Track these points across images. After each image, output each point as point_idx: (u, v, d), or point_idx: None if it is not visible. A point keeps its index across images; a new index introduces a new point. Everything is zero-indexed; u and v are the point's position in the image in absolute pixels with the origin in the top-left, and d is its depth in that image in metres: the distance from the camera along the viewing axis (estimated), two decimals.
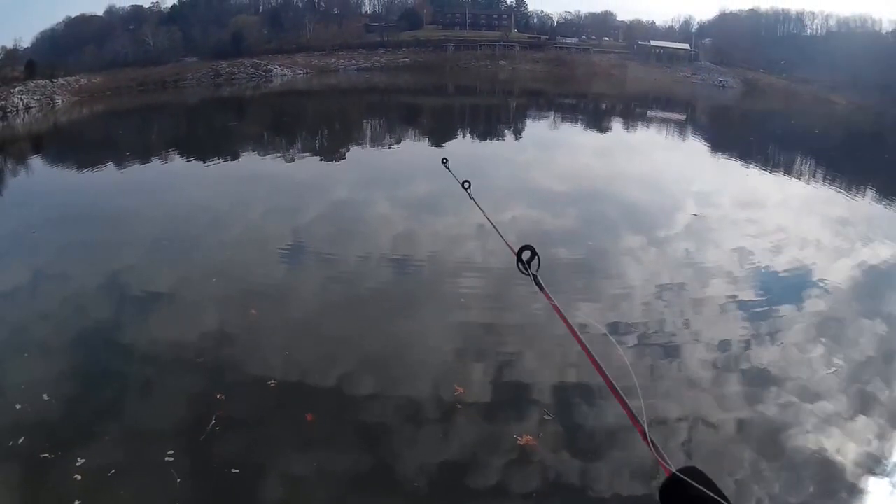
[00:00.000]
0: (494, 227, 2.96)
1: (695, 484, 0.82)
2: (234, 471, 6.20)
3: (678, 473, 0.86)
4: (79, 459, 6.22)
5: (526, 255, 2.05)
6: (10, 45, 56.37)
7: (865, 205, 19.72)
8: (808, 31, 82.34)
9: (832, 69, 64.73)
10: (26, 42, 61.78)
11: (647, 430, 1.22)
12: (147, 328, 9.42)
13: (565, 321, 1.77)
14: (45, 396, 7.45)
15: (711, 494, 0.77)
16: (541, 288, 1.93)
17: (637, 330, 9.55)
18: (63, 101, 46.71)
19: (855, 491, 6.15)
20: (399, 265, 12.28)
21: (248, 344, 8.93)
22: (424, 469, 6.37)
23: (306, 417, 7.13)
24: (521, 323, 9.66)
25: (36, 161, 26.89)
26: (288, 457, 6.49)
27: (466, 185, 3.92)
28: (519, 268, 2.06)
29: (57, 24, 70.07)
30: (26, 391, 7.53)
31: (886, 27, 74.36)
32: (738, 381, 8.18)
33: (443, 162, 5.07)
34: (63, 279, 11.42)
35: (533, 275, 1.96)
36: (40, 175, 23.34)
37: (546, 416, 7.22)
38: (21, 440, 6.57)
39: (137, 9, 73.53)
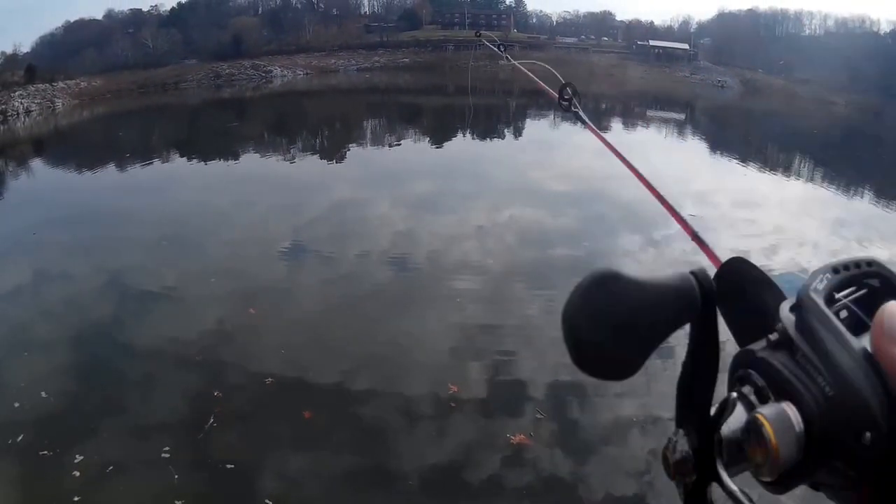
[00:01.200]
0: (532, 76, 3.09)
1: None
2: (232, 467, 6.27)
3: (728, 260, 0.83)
4: (77, 456, 6.28)
5: (568, 93, 2.18)
6: (9, 50, 56.49)
7: (863, 205, 19.77)
8: (807, 31, 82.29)
9: (831, 69, 64.65)
10: (26, 47, 61.75)
11: (696, 233, 1.35)
12: (145, 327, 9.49)
13: (609, 147, 1.90)
14: (43, 394, 7.51)
15: (760, 273, 0.78)
16: (584, 122, 2.09)
17: None
18: (63, 105, 46.66)
19: None
20: (396, 264, 12.34)
21: (247, 342, 9.00)
22: (419, 466, 6.44)
23: (304, 415, 7.20)
24: (515, 323, 9.73)
25: (37, 163, 26.96)
26: (286, 454, 6.55)
27: (478, 33, 3.96)
28: (561, 105, 2.20)
29: (56, 29, 69.99)
30: (25, 389, 7.60)
31: (885, 27, 74.39)
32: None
33: (476, 35, 5.09)
34: (61, 279, 11.49)
35: (574, 112, 2.12)
36: (41, 177, 23.41)
37: (539, 415, 7.28)
38: (20, 438, 6.63)
39: (137, 12, 73.48)
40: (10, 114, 41.35)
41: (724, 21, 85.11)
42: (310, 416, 7.17)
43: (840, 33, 76.67)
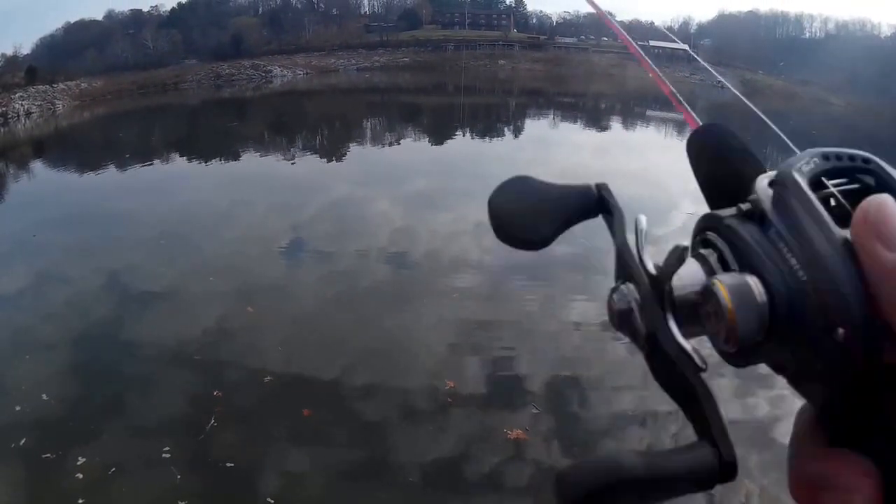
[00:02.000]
0: None
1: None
2: (233, 466, 6.31)
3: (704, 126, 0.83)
4: (80, 458, 6.32)
5: None
6: (9, 52, 56.31)
7: None
8: (807, 34, 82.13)
9: (831, 71, 64.57)
10: (26, 48, 61.50)
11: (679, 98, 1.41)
12: (144, 327, 9.53)
13: (616, 27, 1.92)
14: (44, 397, 7.56)
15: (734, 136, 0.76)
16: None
17: None
18: (64, 106, 46.54)
19: None
20: (394, 262, 12.41)
21: (246, 341, 9.04)
22: (417, 462, 6.50)
23: (303, 412, 7.25)
24: (512, 319, 9.78)
25: (37, 165, 26.96)
26: (286, 451, 6.60)
27: None
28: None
29: (56, 30, 69.67)
30: (26, 392, 7.64)
31: (885, 31, 74.28)
32: (729, 377, 8.27)
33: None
34: (61, 281, 11.52)
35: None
36: (42, 179, 23.41)
37: (534, 410, 7.33)
38: (22, 441, 6.67)
39: (137, 13, 73.16)
40: (10, 116, 41.30)
41: (725, 22, 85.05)
42: (309, 414, 7.22)
43: (840, 36, 76.61)
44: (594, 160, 25.36)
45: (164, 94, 55.68)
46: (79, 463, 6.27)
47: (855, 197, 0.52)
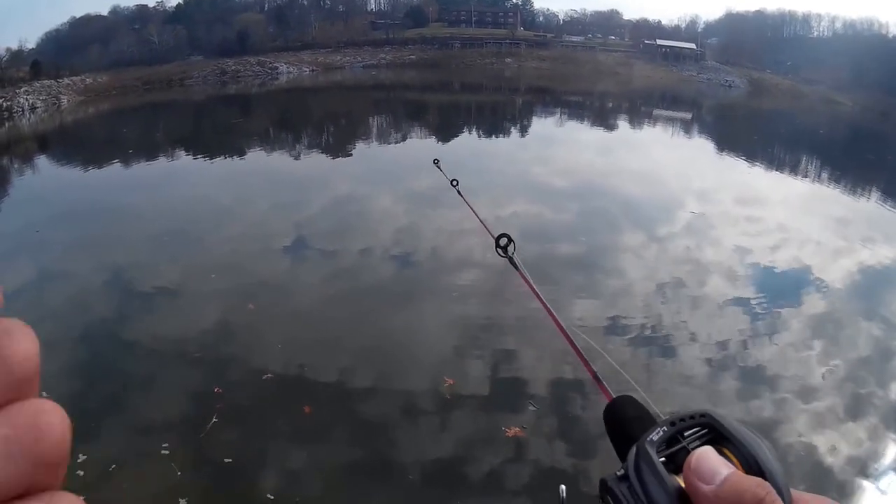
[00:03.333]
0: (479, 218, 3.15)
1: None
2: (233, 463, 6.28)
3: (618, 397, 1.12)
4: (80, 455, 6.30)
5: (504, 241, 2.33)
6: (15, 46, 56.35)
7: (867, 205, 19.75)
8: (815, 33, 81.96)
9: (838, 70, 64.53)
10: (31, 43, 61.57)
11: (596, 372, 1.49)
12: (145, 324, 9.51)
13: (543, 302, 1.94)
14: (43, 393, 7.50)
15: (646, 410, 1.02)
16: (516, 267, 2.21)
17: (633, 326, 9.62)
18: (69, 101, 46.63)
19: (845, 490, 6.21)
20: (395, 259, 12.39)
21: (247, 338, 9.02)
22: (416, 457, 6.48)
23: (304, 409, 7.23)
24: (511, 316, 9.74)
25: (42, 160, 27.00)
26: (286, 448, 6.58)
27: (455, 182, 4.11)
28: (498, 252, 2.33)
29: (62, 25, 69.75)
30: None
31: (893, 30, 74.06)
32: (732, 378, 8.24)
33: (434, 162, 5.23)
34: (63, 276, 11.51)
35: (509, 257, 2.25)
36: (46, 174, 23.40)
37: (532, 407, 7.30)
38: None
39: (142, 8, 73.25)
40: (15, 110, 41.37)
41: (732, 21, 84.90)
42: (310, 411, 7.20)
43: (848, 35, 76.32)
44: (600, 158, 25.30)
45: (168, 90, 55.78)
46: (80, 460, 6.24)
47: (705, 438, 0.73)
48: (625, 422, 1.02)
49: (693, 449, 0.70)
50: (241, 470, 6.22)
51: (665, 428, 0.74)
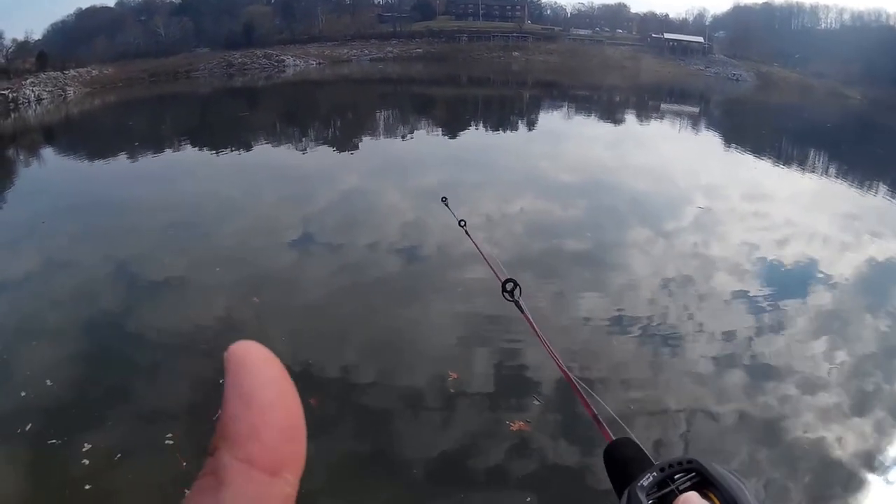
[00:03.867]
0: (487, 260, 3.12)
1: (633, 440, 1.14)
2: None
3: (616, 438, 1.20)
4: (85, 444, 6.31)
5: (510, 286, 2.32)
6: (21, 38, 56.37)
7: (875, 200, 19.66)
8: (823, 25, 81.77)
9: (846, 63, 64.35)
10: (37, 34, 61.68)
11: (596, 414, 1.49)
12: (151, 315, 9.51)
13: (546, 345, 1.94)
14: (48, 382, 7.55)
15: (643, 452, 1.08)
16: (522, 311, 2.21)
17: (640, 320, 9.60)
18: (75, 93, 46.66)
19: (851, 484, 6.19)
20: (401, 254, 12.37)
21: (252, 330, 9.01)
22: (420, 451, 6.48)
23: (310, 402, 7.22)
24: (515, 310, 9.71)
25: (47, 152, 27.01)
26: None
27: (463, 223, 4.09)
28: (504, 296, 2.32)
29: (68, 16, 69.80)
30: (31, 378, 7.64)
31: None
32: (739, 373, 8.21)
33: (442, 200, 5.20)
34: (68, 267, 11.53)
35: (515, 301, 2.25)
36: (52, 166, 23.43)
37: (536, 402, 7.29)
38: (28, 427, 6.65)
39: (149, 0, 73.48)
40: (21, 102, 41.40)
41: (739, 14, 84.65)
42: (316, 403, 7.20)
43: (856, 27, 76.10)
44: (607, 153, 25.23)
45: (175, 82, 55.75)
46: (85, 449, 6.26)
47: (693, 481, 0.80)
48: (622, 462, 1.07)
49: (682, 492, 0.76)
50: None
51: (655, 473, 0.80)
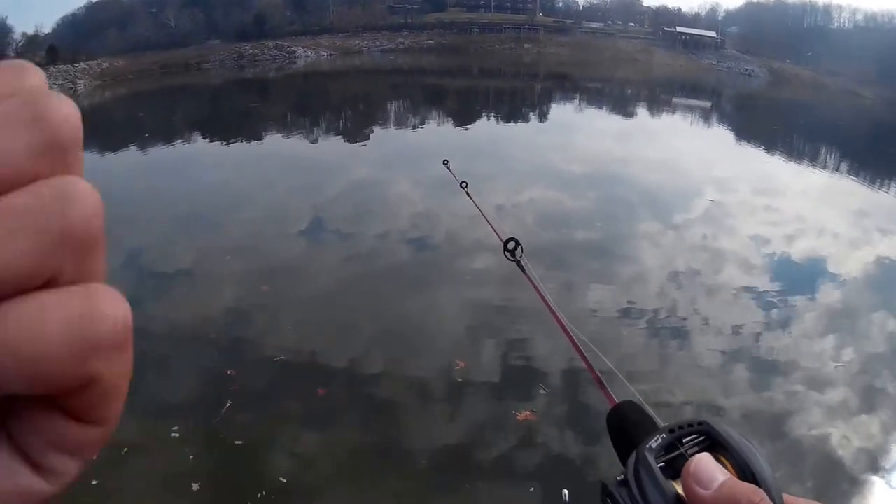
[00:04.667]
0: (486, 219, 3.10)
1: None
2: (245, 445, 6.30)
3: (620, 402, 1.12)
4: None
5: (511, 245, 2.29)
6: (31, 31, 56.56)
7: (886, 198, 19.58)
8: (836, 25, 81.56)
9: (859, 63, 64.09)
10: (48, 27, 61.89)
11: (600, 377, 1.45)
12: (160, 306, 9.53)
13: (546, 302, 1.90)
14: None
15: (649, 413, 1.03)
16: (523, 271, 2.17)
17: (648, 313, 9.59)
18: (85, 86, 46.77)
19: (857, 482, 6.17)
20: (409, 243, 12.38)
21: (262, 320, 9.05)
22: (426, 441, 6.50)
23: (318, 392, 7.25)
24: (524, 300, 9.72)
25: None
26: (300, 431, 6.60)
27: (464, 184, 4.05)
28: (506, 255, 2.29)
29: (78, 9, 70.06)
30: None
31: None
32: (745, 369, 8.20)
33: (444, 163, 5.18)
34: None
35: (517, 260, 2.22)
36: None
37: (542, 391, 7.28)
38: None
39: None
40: None
41: (752, 10, 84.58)
42: (323, 393, 7.22)
43: (869, 27, 75.87)
44: (618, 146, 25.17)
45: (186, 74, 55.84)
46: None
47: (702, 444, 0.77)
48: (627, 427, 1.02)
49: (691, 455, 0.74)
50: (254, 453, 6.23)
51: (664, 435, 0.78)
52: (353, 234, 12.78)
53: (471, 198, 3.76)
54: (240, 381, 7.42)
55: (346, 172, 18.46)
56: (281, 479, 5.92)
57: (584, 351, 1.69)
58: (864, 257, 12.89)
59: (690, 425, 0.79)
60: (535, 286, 2.13)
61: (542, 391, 7.35)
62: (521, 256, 2.31)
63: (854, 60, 64.60)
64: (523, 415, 6.87)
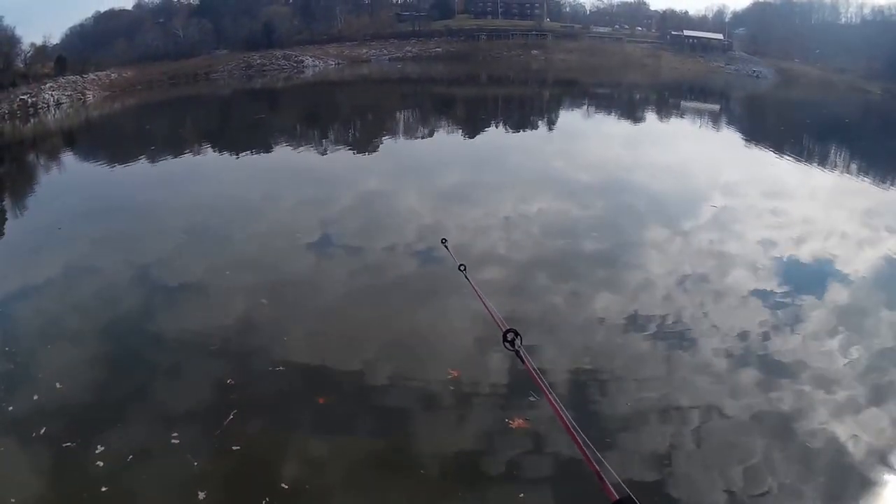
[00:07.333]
0: (488, 308, 3.09)
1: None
2: (248, 453, 6.35)
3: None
4: (98, 447, 6.37)
5: (511, 336, 2.26)
6: (39, 42, 56.66)
7: (894, 195, 19.48)
8: (843, 20, 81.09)
9: (867, 58, 63.71)
10: (56, 38, 61.99)
11: (600, 472, 1.47)
12: (168, 318, 9.64)
13: (548, 395, 1.91)
14: (58, 385, 7.63)
15: None
16: (523, 361, 2.16)
17: (656, 318, 9.57)
18: (94, 96, 46.95)
19: (866, 481, 6.13)
20: (413, 256, 12.39)
21: (267, 332, 9.09)
22: (422, 447, 6.62)
23: (318, 400, 7.27)
24: (535, 312, 9.73)
25: (67, 156, 27.23)
26: (301, 437, 6.66)
27: (462, 267, 4.01)
28: (505, 346, 2.26)
29: (86, 20, 70.21)
30: (44, 382, 7.73)
31: None
32: (754, 370, 8.18)
33: (442, 242, 5.16)
34: (84, 272, 11.67)
35: (516, 350, 2.20)
36: (72, 170, 23.62)
37: (532, 398, 7.25)
38: (42, 431, 6.73)
39: (167, 2, 73.43)
40: (40, 106, 41.75)
41: (759, 10, 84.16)
42: (324, 401, 7.25)
43: (876, 21, 75.43)
44: (627, 152, 25.14)
45: (194, 83, 55.99)
46: (98, 451, 6.33)
47: None
48: None
49: None
50: (257, 460, 6.27)
51: None
52: (360, 248, 12.85)
53: (471, 282, 3.75)
54: (244, 391, 7.50)
55: (355, 185, 18.58)
56: (283, 485, 5.95)
57: (586, 450, 1.70)
58: (871, 256, 12.82)
59: None
60: (539, 382, 2.13)
61: (531, 398, 7.35)
62: (520, 347, 2.29)
63: (862, 56, 64.18)
64: (517, 422, 6.90)
